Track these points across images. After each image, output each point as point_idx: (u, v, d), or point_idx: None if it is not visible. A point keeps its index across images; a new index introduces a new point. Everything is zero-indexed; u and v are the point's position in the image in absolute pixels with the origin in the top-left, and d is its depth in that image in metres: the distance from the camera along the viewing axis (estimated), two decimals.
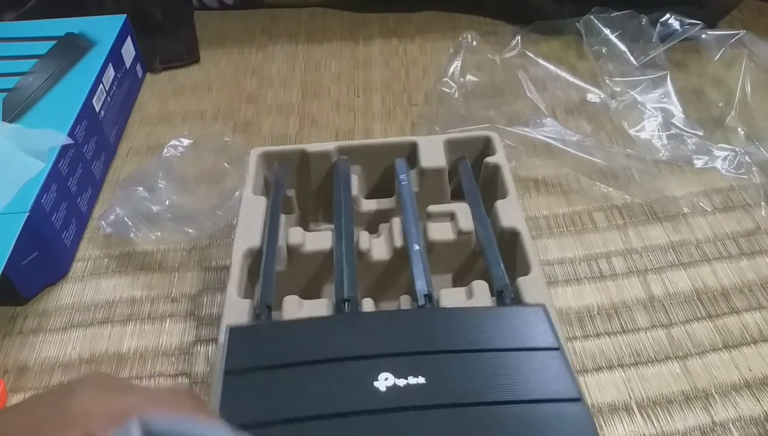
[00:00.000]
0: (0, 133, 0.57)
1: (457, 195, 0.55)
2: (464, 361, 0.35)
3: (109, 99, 0.67)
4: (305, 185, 0.55)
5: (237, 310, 0.42)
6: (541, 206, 0.60)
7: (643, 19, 0.69)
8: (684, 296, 0.52)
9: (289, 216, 0.54)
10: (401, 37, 0.83)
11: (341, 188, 0.51)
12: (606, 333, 0.50)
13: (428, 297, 0.42)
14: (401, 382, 0.34)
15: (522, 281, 0.43)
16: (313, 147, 0.54)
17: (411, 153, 0.55)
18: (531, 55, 0.71)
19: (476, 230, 0.48)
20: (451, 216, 0.49)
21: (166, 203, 0.57)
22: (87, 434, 0.22)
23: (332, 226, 0.49)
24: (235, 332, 0.38)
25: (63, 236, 0.56)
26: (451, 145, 0.54)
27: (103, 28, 0.70)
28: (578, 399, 0.34)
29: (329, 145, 0.54)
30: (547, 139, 0.63)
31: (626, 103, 0.66)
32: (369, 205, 0.54)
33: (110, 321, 0.53)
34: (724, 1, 0.78)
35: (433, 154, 0.53)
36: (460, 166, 0.55)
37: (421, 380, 0.34)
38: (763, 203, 0.59)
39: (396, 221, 0.49)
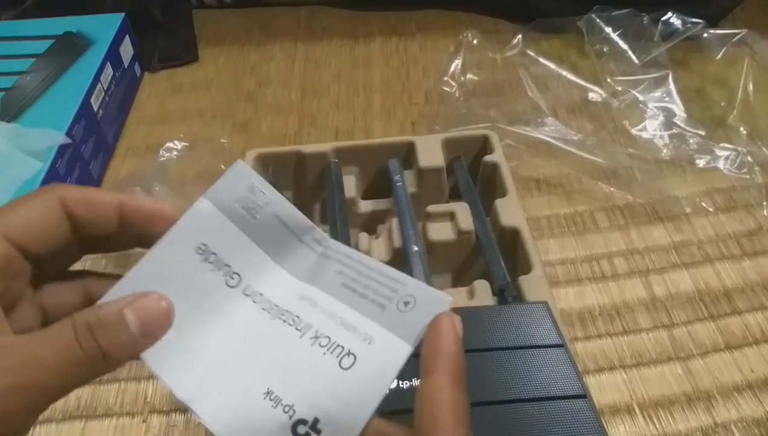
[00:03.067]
0: None
1: (453, 194, 0.55)
2: (467, 361, 0.35)
3: (107, 98, 0.67)
4: (302, 186, 0.55)
5: None
6: (542, 206, 0.60)
7: (645, 18, 0.69)
8: (686, 297, 0.52)
9: None
10: (402, 35, 0.82)
11: (334, 193, 0.51)
12: (608, 334, 0.49)
13: None
14: (405, 384, 0.33)
15: (523, 279, 0.43)
16: (308, 148, 0.53)
17: (408, 153, 0.54)
18: (532, 54, 0.71)
19: (476, 229, 0.48)
20: (451, 216, 0.48)
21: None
22: None
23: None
24: None
25: None
26: (449, 145, 0.54)
27: (102, 27, 0.70)
28: (584, 396, 0.34)
29: (325, 147, 0.53)
30: (549, 139, 0.62)
31: (628, 102, 0.66)
32: (366, 206, 0.54)
33: None
34: (725, 0, 0.78)
35: (430, 153, 0.53)
36: (455, 166, 0.54)
37: None
38: (765, 203, 0.59)
39: (394, 222, 0.49)
